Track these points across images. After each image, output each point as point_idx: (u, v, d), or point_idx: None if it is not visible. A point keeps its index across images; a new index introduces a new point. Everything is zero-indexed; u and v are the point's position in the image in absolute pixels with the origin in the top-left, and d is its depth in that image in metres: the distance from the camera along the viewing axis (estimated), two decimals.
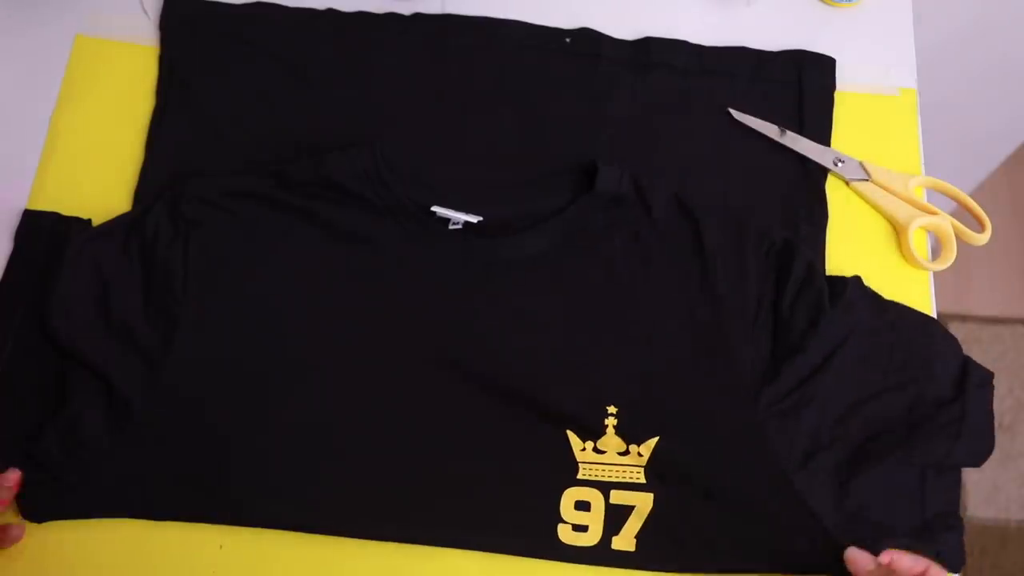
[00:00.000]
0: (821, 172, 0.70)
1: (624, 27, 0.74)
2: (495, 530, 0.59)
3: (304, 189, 0.64)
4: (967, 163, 1.28)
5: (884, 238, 0.69)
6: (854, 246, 0.69)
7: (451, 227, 0.64)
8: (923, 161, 0.72)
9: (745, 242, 0.63)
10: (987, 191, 1.39)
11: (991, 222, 0.70)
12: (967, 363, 0.62)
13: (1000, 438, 0.63)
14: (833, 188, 0.70)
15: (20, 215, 0.67)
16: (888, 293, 0.67)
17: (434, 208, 0.64)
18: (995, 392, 0.62)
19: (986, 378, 0.62)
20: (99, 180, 0.68)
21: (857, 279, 0.64)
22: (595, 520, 0.59)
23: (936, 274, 0.68)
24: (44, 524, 0.59)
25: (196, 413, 0.60)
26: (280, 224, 0.64)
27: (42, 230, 0.65)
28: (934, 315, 0.67)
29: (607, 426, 0.60)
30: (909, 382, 0.61)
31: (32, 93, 0.71)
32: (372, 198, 0.64)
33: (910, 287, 0.68)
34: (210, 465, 0.59)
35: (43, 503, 0.59)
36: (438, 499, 0.59)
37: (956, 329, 1.55)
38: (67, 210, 0.66)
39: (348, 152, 0.64)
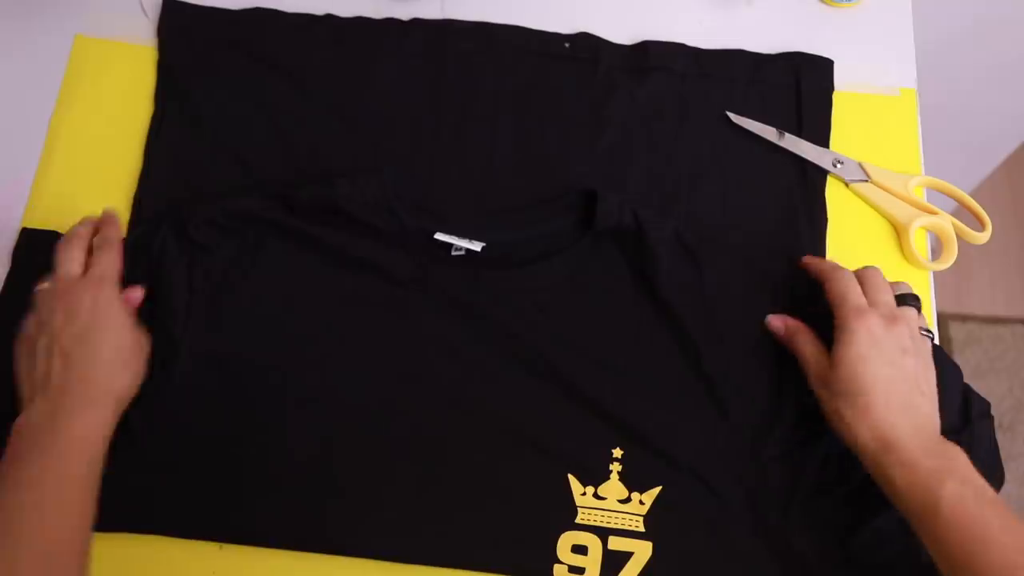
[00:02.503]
0: (820, 174, 0.70)
1: (624, 30, 0.74)
2: (493, 561, 0.59)
3: (311, 214, 0.64)
4: (967, 163, 1.28)
5: (884, 238, 0.69)
6: (854, 247, 0.68)
7: (453, 253, 0.64)
8: (923, 161, 0.72)
9: (747, 279, 0.63)
10: (987, 191, 1.40)
11: (991, 222, 0.69)
12: (968, 391, 0.61)
13: (1000, 438, 0.63)
14: (832, 189, 0.70)
15: (20, 215, 0.67)
16: None
17: (437, 235, 0.64)
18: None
19: (985, 408, 0.61)
20: (99, 181, 0.69)
21: None
22: (592, 564, 0.58)
23: (936, 274, 0.68)
24: None
25: (195, 431, 0.60)
26: (286, 249, 0.64)
27: (39, 249, 0.64)
28: (934, 315, 0.67)
29: (611, 471, 0.60)
30: None
31: (32, 93, 0.71)
32: (379, 225, 0.64)
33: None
34: (207, 484, 0.59)
35: None
36: (437, 525, 0.59)
37: (956, 329, 1.55)
38: (67, 211, 0.66)
39: (357, 179, 0.64)
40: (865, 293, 0.58)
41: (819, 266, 0.61)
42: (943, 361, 0.62)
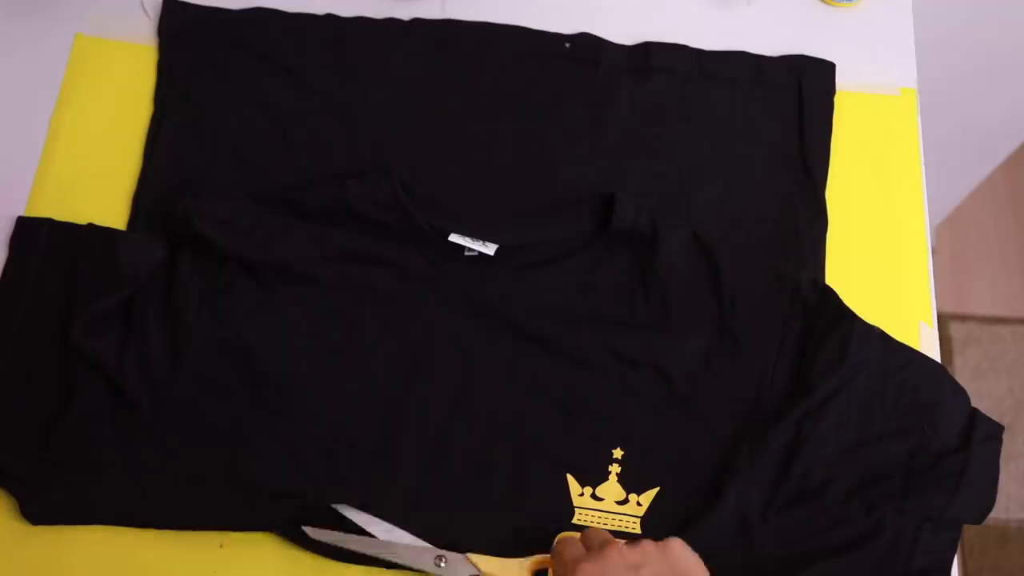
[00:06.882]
0: (821, 177, 0.70)
1: (625, 30, 0.74)
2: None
3: (323, 217, 0.64)
4: (967, 163, 1.28)
5: (884, 241, 0.69)
6: (854, 250, 0.68)
7: (467, 254, 0.64)
8: (923, 161, 0.72)
9: (765, 283, 0.63)
10: (987, 191, 1.40)
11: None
12: (975, 415, 0.60)
13: None
14: (833, 191, 0.70)
15: (20, 214, 0.67)
16: (888, 294, 0.67)
17: (451, 237, 0.64)
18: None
19: (994, 432, 0.59)
20: (99, 180, 0.69)
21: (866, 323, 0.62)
22: None
23: (936, 274, 0.68)
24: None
25: (200, 420, 0.60)
26: (297, 245, 0.63)
27: (38, 238, 0.65)
28: (934, 315, 0.67)
29: (611, 472, 0.60)
30: (912, 428, 0.59)
31: (32, 93, 0.71)
32: (391, 224, 0.64)
33: (910, 287, 0.68)
34: (208, 476, 0.59)
35: (44, 506, 0.59)
36: (435, 522, 0.59)
37: (956, 329, 1.55)
38: (68, 210, 0.67)
39: (367, 179, 0.64)
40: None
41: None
42: (943, 380, 0.61)
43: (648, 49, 0.73)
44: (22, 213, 0.67)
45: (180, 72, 0.71)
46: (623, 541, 0.52)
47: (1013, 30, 1.02)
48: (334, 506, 0.58)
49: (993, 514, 0.59)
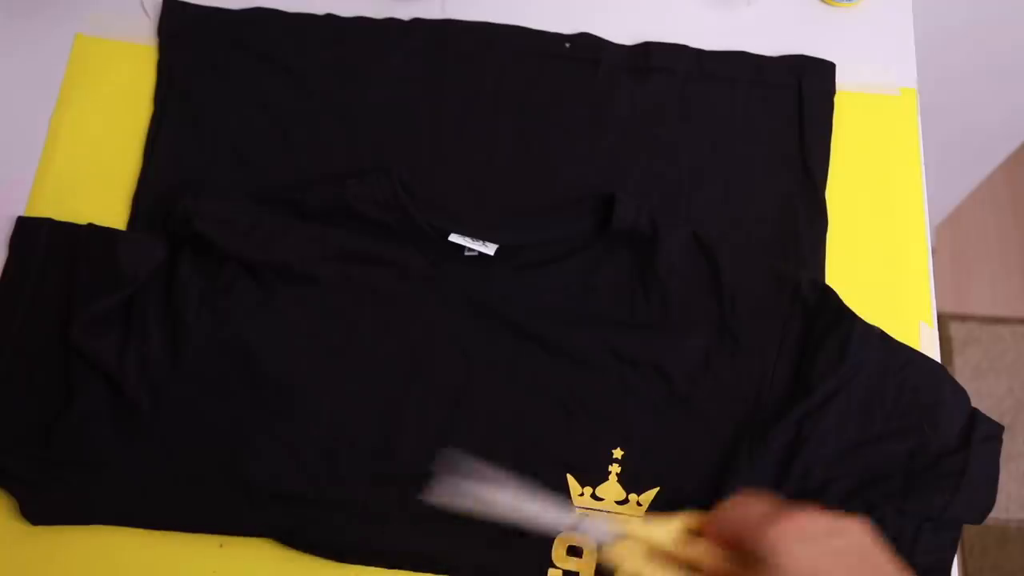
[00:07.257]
0: (821, 177, 0.70)
1: (625, 30, 0.74)
2: (488, 562, 0.59)
3: (323, 217, 0.64)
4: (967, 163, 1.28)
5: (883, 241, 0.69)
6: (854, 250, 0.68)
7: (467, 254, 0.64)
8: (923, 161, 0.72)
9: (765, 283, 0.63)
10: (987, 191, 1.40)
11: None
12: (975, 415, 0.60)
13: None
14: (832, 193, 0.70)
15: (20, 214, 0.67)
16: (888, 294, 0.67)
17: (451, 237, 0.64)
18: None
19: (994, 432, 0.59)
20: (99, 181, 0.69)
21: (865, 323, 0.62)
22: (587, 567, 0.58)
23: (936, 274, 0.68)
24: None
25: (199, 420, 0.60)
26: (296, 245, 0.63)
27: (38, 238, 0.65)
28: (934, 315, 0.67)
29: (611, 472, 0.60)
30: (912, 428, 0.59)
31: (32, 93, 0.71)
32: (391, 224, 0.64)
33: (910, 287, 0.68)
34: (216, 475, 0.59)
35: (44, 506, 0.59)
36: (433, 524, 0.58)
37: (956, 329, 1.55)
38: (68, 210, 0.67)
39: (368, 179, 0.64)
40: None
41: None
42: (943, 380, 0.61)
43: (648, 49, 0.73)
44: (22, 213, 0.67)
45: (180, 72, 0.71)
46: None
47: (1013, 30, 1.02)
48: None
49: (993, 514, 0.59)
